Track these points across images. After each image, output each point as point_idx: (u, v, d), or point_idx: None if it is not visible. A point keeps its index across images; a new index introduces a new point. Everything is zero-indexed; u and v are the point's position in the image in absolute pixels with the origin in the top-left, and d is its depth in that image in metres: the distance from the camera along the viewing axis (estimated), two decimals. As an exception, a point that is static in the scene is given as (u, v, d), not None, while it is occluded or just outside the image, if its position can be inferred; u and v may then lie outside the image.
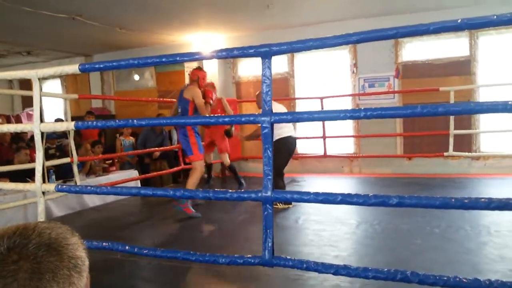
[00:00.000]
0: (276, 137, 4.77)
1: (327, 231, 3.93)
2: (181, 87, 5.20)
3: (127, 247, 2.58)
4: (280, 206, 4.83)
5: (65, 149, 5.97)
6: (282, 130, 4.91)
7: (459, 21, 1.83)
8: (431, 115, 1.96)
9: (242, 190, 4.55)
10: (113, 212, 5.41)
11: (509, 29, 6.46)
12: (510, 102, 1.74)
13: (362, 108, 2.12)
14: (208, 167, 6.38)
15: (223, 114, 5.92)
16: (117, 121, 3.11)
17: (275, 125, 3.43)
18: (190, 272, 3.10)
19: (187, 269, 3.12)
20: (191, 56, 2.62)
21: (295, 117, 2.60)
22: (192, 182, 4.72)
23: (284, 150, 4.95)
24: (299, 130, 7.97)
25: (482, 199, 1.70)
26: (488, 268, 2.90)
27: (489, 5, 6.03)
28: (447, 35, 6.75)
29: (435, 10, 6.31)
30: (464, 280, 1.69)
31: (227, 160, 6.00)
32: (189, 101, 4.79)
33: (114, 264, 3.28)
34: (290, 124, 5.00)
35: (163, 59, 2.53)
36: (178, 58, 2.55)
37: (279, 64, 7.83)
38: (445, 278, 1.74)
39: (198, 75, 4.96)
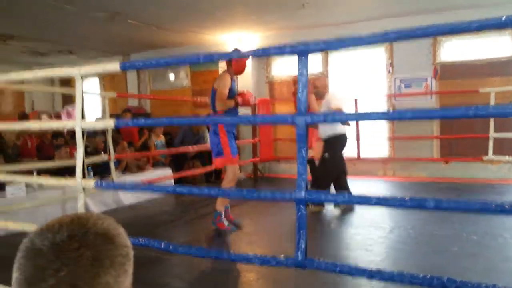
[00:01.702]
0: (331, 132, 4.66)
1: (361, 234, 3.88)
2: None
3: (162, 244, 2.63)
4: (312, 208, 4.71)
5: (98, 147, 6.13)
6: (339, 127, 4.71)
7: (503, 18, 1.76)
8: (476, 117, 1.90)
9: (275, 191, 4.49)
10: (148, 210, 5.53)
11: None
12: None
13: (397, 109, 2.09)
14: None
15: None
16: (155, 119, 3.17)
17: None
18: (223, 271, 3.13)
19: (219, 268, 3.16)
20: (227, 55, 2.66)
21: (330, 118, 2.59)
22: (222, 199, 4.08)
23: (339, 146, 4.83)
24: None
25: (526, 206, 1.64)
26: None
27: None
28: (488, 34, 6.50)
29: (470, 8, 6.10)
30: (504, 289, 1.63)
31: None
32: (216, 91, 4.13)
33: (149, 261, 3.35)
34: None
35: (201, 58, 2.56)
36: (215, 57, 2.59)
37: (313, 63, 7.77)
38: (484, 286, 1.69)
39: (231, 60, 4.17)
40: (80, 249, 0.63)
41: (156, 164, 7.16)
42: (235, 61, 4.10)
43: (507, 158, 6.29)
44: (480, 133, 6.26)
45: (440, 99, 6.96)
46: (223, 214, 4.12)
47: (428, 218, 4.20)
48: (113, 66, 2.93)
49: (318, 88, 4.91)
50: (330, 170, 4.79)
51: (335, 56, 7.79)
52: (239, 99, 4.14)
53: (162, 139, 7.53)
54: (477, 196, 5.24)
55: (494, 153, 6.18)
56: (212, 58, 2.71)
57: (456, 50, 6.89)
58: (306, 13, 6.55)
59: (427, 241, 3.71)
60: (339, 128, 4.72)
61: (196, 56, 2.60)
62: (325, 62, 7.85)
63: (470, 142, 6.56)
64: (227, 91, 4.03)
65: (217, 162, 4.19)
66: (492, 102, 6.01)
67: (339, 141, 4.79)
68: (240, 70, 4.21)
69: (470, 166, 6.60)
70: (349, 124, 4.76)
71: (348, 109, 4.89)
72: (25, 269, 0.62)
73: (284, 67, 8.17)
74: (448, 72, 6.91)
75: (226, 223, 4.14)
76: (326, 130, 4.71)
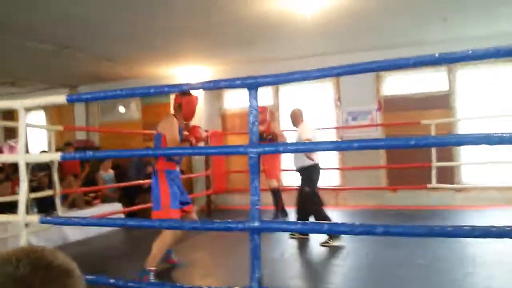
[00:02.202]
0: (309, 162, 4.65)
1: (315, 263, 3.91)
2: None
3: (111, 280, 2.53)
4: (331, 242, 4.48)
5: (42, 182, 5.87)
6: (314, 156, 4.67)
7: (436, 55, 1.92)
8: (424, 146, 2.01)
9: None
10: (96, 246, 5.29)
11: (486, 63, 6.71)
12: (490, 134, 1.81)
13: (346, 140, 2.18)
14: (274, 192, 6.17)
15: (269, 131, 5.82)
16: (104, 152, 3.10)
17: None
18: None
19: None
20: (179, 87, 2.67)
21: (284, 149, 2.65)
22: (158, 246, 3.49)
23: (316, 175, 4.84)
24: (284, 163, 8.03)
25: (466, 227, 1.74)
26: (474, 298, 2.91)
27: (465, 42, 6.31)
28: (427, 69, 6.97)
29: (413, 46, 6.54)
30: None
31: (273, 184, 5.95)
32: (161, 135, 3.58)
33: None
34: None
35: (151, 90, 2.56)
36: (166, 89, 2.60)
37: (264, 96, 7.93)
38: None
39: (180, 102, 3.70)
40: (44, 283, 0.62)
41: (105, 199, 6.91)
42: (185, 105, 3.68)
43: (448, 186, 6.65)
44: (424, 163, 6.59)
45: (385, 131, 7.30)
46: (151, 274, 3.35)
47: (380, 244, 4.30)
48: (59, 98, 2.86)
49: (291, 118, 5.02)
50: (316, 200, 4.76)
51: (285, 89, 8.01)
52: (192, 139, 3.65)
53: (110, 173, 7.31)
54: (423, 221, 5.46)
55: (438, 181, 6.51)
56: (163, 91, 2.72)
57: (398, 84, 7.32)
58: (257, 48, 6.76)
59: (380, 266, 3.80)
60: (314, 158, 4.67)
61: (146, 88, 2.60)
62: (276, 94, 8.04)
63: (415, 171, 6.87)
64: (176, 133, 3.56)
65: (153, 216, 3.55)
66: (433, 133, 6.37)
67: (314, 171, 4.79)
68: (190, 115, 3.75)
69: (416, 194, 6.89)
70: (311, 159, 4.68)
71: (319, 139, 4.96)
72: None
73: (237, 99, 8.29)
74: (392, 105, 7.30)
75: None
76: (300, 160, 4.72)
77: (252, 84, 2.27)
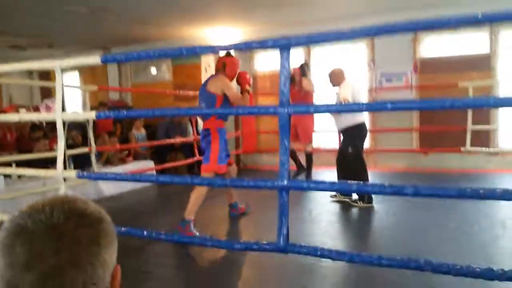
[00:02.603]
0: (354, 122, 4.47)
1: (342, 223, 3.97)
2: (205, 81, 4.10)
3: (145, 232, 2.65)
4: (360, 204, 4.48)
5: (76, 140, 6.08)
6: (359, 116, 4.51)
7: (479, 15, 1.83)
8: (460, 107, 1.96)
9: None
10: (130, 201, 5.52)
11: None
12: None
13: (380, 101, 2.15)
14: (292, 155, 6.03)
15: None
16: (137, 111, 3.17)
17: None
18: (206, 258, 3.17)
19: (203, 255, 3.19)
20: (211, 49, 2.67)
21: (314, 109, 2.64)
22: (194, 197, 3.69)
23: (360, 136, 4.62)
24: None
25: (498, 190, 1.72)
26: (501, 260, 2.91)
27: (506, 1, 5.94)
28: (467, 30, 6.66)
29: (451, 5, 6.21)
30: (477, 269, 1.71)
31: (308, 148, 5.90)
32: (216, 96, 3.77)
33: (132, 250, 3.36)
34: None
35: (183, 51, 2.58)
36: (197, 50, 2.60)
37: (296, 58, 7.83)
38: (458, 267, 1.77)
39: (225, 62, 3.91)
40: (78, 229, 0.65)
41: (138, 157, 7.13)
42: (229, 65, 3.89)
43: (483, 149, 6.49)
44: (459, 126, 6.43)
45: (420, 93, 7.09)
46: (191, 223, 3.65)
47: (409, 206, 4.32)
48: (94, 59, 2.92)
49: (331, 77, 4.75)
50: (360, 161, 4.57)
51: (317, 51, 7.86)
52: (246, 86, 3.94)
53: (142, 132, 7.50)
54: (455, 184, 5.36)
55: (472, 144, 6.36)
56: (195, 51, 2.73)
57: (435, 45, 7.02)
58: (288, 10, 6.59)
59: (407, 227, 3.82)
60: (357, 118, 4.50)
61: (178, 49, 2.62)
62: (308, 57, 7.91)
63: (448, 134, 6.71)
64: (234, 90, 3.83)
65: (202, 168, 3.88)
66: (471, 95, 6.16)
67: (359, 131, 4.58)
68: (233, 75, 3.96)
69: (449, 157, 6.76)
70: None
71: (363, 99, 4.72)
72: (20, 251, 0.61)
73: (267, 61, 8.20)
74: (428, 67, 7.05)
75: (196, 232, 3.62)
76: (344, 121, 4.51)
77: (284, 45, 2.25)
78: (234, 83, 4.00)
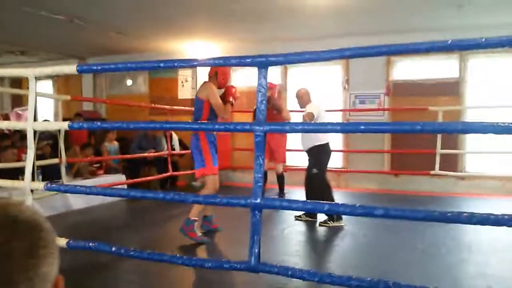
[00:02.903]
0: (319, 142, 4.55)
1: (313, 242, 3.98)
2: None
3: (113, 248, 2.59)
4: (331, 223, 4.50)
5: (45, 151, 5.94)
6: (325, 136, 4.61)
7: (449, 41, 1.91)
8: (430, 132, 2.02)
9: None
10: (99, 215, 5.39)
11: (498, 53, 6.64)
12: (498, 123, 1.81)
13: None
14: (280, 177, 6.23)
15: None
16: (111, 123, 3.13)
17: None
18: (176, 276, 3.11)
19: (172, 273, 3.13)
20: (189, 62, 2.68)
21: (290, 128, 2.65)
22: (199, 207, 3.92)
23: (326, 156, 4.70)
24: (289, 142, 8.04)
25: (465, 214, 1.77)
26: (468, 283, 2.97)
27: (476, 30, 6.22)
28: (438, 56, 6.91)
29: (425, 31, 6.44)
30: (444, 292, 1.74)
31: (280, 169, 5.90)
32: (203, 101, 4.01)
33: (100, 267, 3.27)
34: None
35: (161, 64, 2.58)
36: (176, 64, 2.61)
37: (272, 77, 7.94)
38: (426, 289, 1.80)
39: (216, 70, 4.13)
40: (10, 241, 0.58)
41: (109, 170, 7.00)
42: (221, 74, 4.10)
43: (451, 173, 6.68)
44: (428, 149, 6.62)
45: (392, 116, 7.27)
46: (195, 224, 3.89)
47: (378, 227, 4.38)
48: (70, 68, 2.89)
49: (298, 98, 4.87)
50: (323, 181, 4.63)
51: (294, 71, 7.98)
52: (231, 99, 4.12)
53: (115, 144, 7.38)
54: (424, 207, 5.47)
55: (441, 168, 6.54)
56: (173, 65, 2.73)
57: (408, 69, 7.26)
58: (267, 27, 6.69)
59: (377, 249, 3.86)
60: (322, 138, 4.59)
61: (156, 62, 2.62)
62: (284, 76, 8.01)
63: (418, 157, 6.89)
64: (219, 99, 4.01)
65: (197, 172, 4.09)
66: (440, 119, 6.36)
67: (325, 151, 4.65)
68: (225, 83, 4.18)
69: (418, 180, 6.92)
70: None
71: (328, 119, 4.78)
72: None
73: (244, 78, 8.26)
74: (400, 90, 7.25)
75: (198, 233, 3.93)
76: (310, 140, 4.58)
77: (262, 63, 2.28)
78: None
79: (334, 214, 4.41)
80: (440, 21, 6.27)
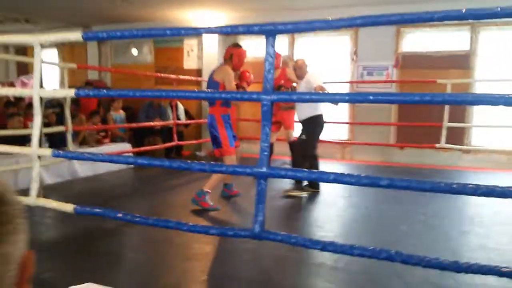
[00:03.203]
0: (313, 113, 4.55)
1: (316, 212, 4.02)
2: (214, 68, 4.42)
3: (119, 214, 2.63)
4: (292, 192, 4.62)
5: (50, 119, 5.94)
6: (320, 107, 4.60)
7: (463, 11, 1.86)
8: (439, 103, 2.00)
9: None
10: (105, 183, 5.46)
11: (510, 25, 6.49)
12: (508, 95, 1.79)
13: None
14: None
15: (287, 84, 5.46)
16: (118, 91, 3.12)
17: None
18: (181, 243, 3.17)
19: (178, 240, 3.19)
20: (196, 30, 2.64)
21: (298, 97, 2.64)
22: (218, 177, 4.06)
23: (319, 127, 4.69)
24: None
25: (470, 185, 1.77)
26: (467, 255, 3.00)
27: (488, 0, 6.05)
28: (449, 28, 6.77)
29: (435, 1, 6.28)
30: (445, 262, 1.77)
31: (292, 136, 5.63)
32: (219, 84, 4.05)
33: (106, 233, 3.33)
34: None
35: (168, 31, 2.54)
36: (182, 32, 2.58)
37: (280, 47, 7.85)
38: (428, 259, 1.82)
39: (231, 53, 4.17)
40: None
41: (115, 139, 7.04)
42: (236, 56, 4.13)
43: (457, 146, 6.65)
44: (435, 122, 6.57)
45: (400, 88, 7.19)
46: (207, 195, 4.01)
47: (382, 199, 4.42)
48: (75, 35, 2.85)
49: (296, 69, 4.80)
50: (308, 151, 4.65)
51: (301, 41, 7.86)
52: (244, 84, 4.22)
53: (121, 113, 7.39)
54: (428, 179, 5.50)
55: (447, 142, 6.51)
56: (180, 33, 2.70)
57: (417, 41, 7.11)
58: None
59: (379, 220, 3.90)
60: (317, 109, 4.58)
61: (162, 30, 2.58)
62: (291, 46, 7.90)
63: (425, 130, 6.85)
64: (233, 84, 4.05)
65: (215, 153, 4.26)
66: (449, 92, 6.29)
67: (319, 122, 4.67)
68: (239, 66, 4.20)
69: (424, 153, 6.91)
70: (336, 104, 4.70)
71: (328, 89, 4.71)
72: None
73: (251, 48, 8.15)
74: (409, 62, 7.14)
75: (211, 202, 4.04)
76: (306, 111, 4.58)
77: (270, 31, 2.24)
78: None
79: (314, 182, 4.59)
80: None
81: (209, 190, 4.02)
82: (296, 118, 4.91)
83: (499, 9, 1.78)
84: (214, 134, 4.17)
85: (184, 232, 2.73)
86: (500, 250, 3.08)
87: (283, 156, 6.43)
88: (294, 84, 5.40)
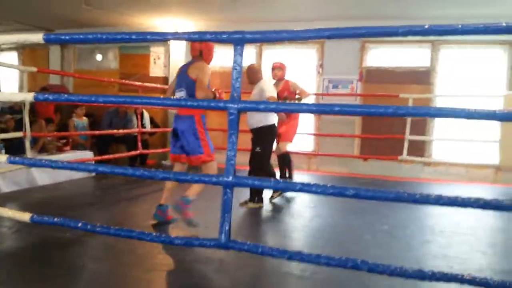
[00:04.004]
0: (266, 122, 4.46)
1: (282, 222, 4.02)
2: (183, 65, 3.99)
3: (79, 224, 2.52)
4: (250, 205, 4.56)
5: (8, 125, 5.71)
6: (271, 117, 4.53)
7: (426, 26, 1.92)
8: (402, 115, 2.04)
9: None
10: (65, 191, 5.26)
11: (468, 44, 6.83)
12: (469, 109, 1.84)
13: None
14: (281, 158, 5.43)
15: (291, 96, 5.33)
16: (79, 96, 3.02)
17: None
18: (144, 253, 3.08)
19: (141, 251, 3.09)
20: (162, 36, 2.59)
21: (265, 107, 2.62)
22: (200, 187, 3.68)
23: (272, 137, 4.61)
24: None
25: (433, 196, 1.81)
26: (430, 264, 3.07)
27: (451, 19, 6.32)
28: (411, 44, 7.05)
29: (398, 19, 6.47)
30: (409, 270, 1.79)
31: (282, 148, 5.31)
32: (192, 80, 3.69)
33: (64, 243, 3.20)
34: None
35: (133, 36, 2.48)
36: (148, 37, 2.51)
37: (247, 58, 7.90)
38: (393, 268, 1.84)
39: (201, 49, 3.83)
40: None
41: (76, 146, 6.83)
42: (206, 51, 3.81)
43: (419, 159, 6.88)
44: (397, 135, 6.78)
45: (364, 102, 7.37)
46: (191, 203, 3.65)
47: (347, 210, 4.48)
48: (36, 36, 2.74)
49: (249, 74, 4.66)
50: (264, 165, 4.54)
51: (269, 52, 7.93)
52: (216, 93, 3.78)
53: (84, 120, 7.18)
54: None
55: (408, 154, 6.73)
56: (145, 38, 2.63)
57: (381, 57, 7.35)
58: (243, 7, 6.59)
59: (344, 230, 3.93)
60: (270, 119, 4.52)
61: (128, 34, 2.52)
62: (259, 57, 7.96)
63: (387, 143, 7.03)
64: (207, 81, 3.70)
65: (193, 159, 3.75)
66: (409, 107, 6.49)
67: (269, 132, 4.56)
68: (211, 59, 3.92)
69: (387, 165, 7.09)
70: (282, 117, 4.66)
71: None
72: None
73: (218, 57, 8.13)
74: (373, 76, 7.34)
75: (191, 215, 3.64)
76: (256, 119, 4.48)
77: (238, 39, 2.23)
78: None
79: (258, 195, 4.54)
80: (415, 11, 6.35)
81: (194, 198, 3.67)
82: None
83: (459, 26, 1.84)
84: (194, 139, 3.69)
85: (148, 242, 2.65)
86: (460, 259, 3.17)
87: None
88: (297, 96, 5.37)
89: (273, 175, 4.71)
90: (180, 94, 3.76)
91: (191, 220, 3.62)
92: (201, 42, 3.77)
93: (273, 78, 5.38)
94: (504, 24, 1.77)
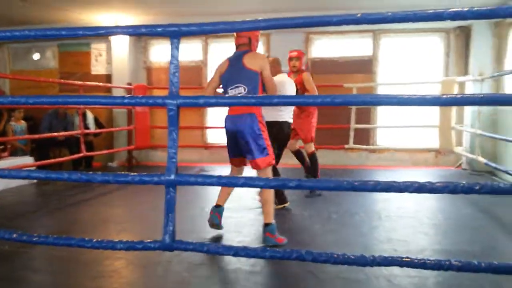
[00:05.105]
0: (281, 118, 4.18)
1: (233, 217, 3.99)
2: (230, 58, 3.51)
3: (14, 235, 2.37)
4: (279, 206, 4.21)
5: None
6: (285, 113, 4.24)
7: (358, 15, 1.94)
8: (334, 104, 2.05)
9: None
10: (2, 201, 4.95)
11: (407, 33, 7.10)
12: (402, 96, 1.89)
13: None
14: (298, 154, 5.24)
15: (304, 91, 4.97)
16: (14, 97, 2.83)
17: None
18: (90, 261, 2.95)
19: (85, 257, 2.96)
20: (96, 31, 2.46)
21: (205, 102, 2.57)
22: (269, 197, 3.27)
23: (286, 133, 4.31)
24: (210, 119, 7.96)
25: (371, 182, 1.84)
26: (376, 248, 3.17)
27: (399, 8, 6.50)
28: (353, 35, 7.23)
29: (341, 10, 6.63)
30: (352, 257, 1.82)
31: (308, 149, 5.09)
32: (258, 74, 3.27)
33: (4, 256, 3.01)
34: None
35: (63, 32, 2.35)
36: (80, 32, 2.39)
37: (193, 52, 7.81)
38: (335, 255, 1.86)
39: (249, 36, 3.39)
40: None
41: (16, 152, 6.45)
42: (254, 39, 3.40)
43: (364, 146, 7.08)
44: (343, 124, 6.95)
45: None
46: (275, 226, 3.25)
47: (296, 200, 4.52)
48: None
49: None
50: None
51: (214, 46, 7.87)
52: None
53: (22, 124, 6.80)
54: (337, 179, 5.75)
55: (354, 142, 6.92)
56: (77, 34, 2.50)
57: (325, 47, 7.49)
58: (185, 1, 6.47)
59: (294, 220, 3.98)
60: (287, 116, 4.28)
61: (59, 30, 2.38)
62: (205, 51, 7.87)
63: (335, 132, 7.18)
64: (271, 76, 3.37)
65: (259, 162, 3.27)
66: (354, 96, 6.67)
67: (286, 128, 4.28)
68: (257, 46, 3.50)
69: (335, 154, 7.25)
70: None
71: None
72: None
73: (163, 53, 7.98)
74: (318, 67, 7.45)
75: (283, 238, 3.25)
76: (269, 115, 4.01)
77: (174, 32, 2.16)
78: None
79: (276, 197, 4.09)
80: (359, 1, 6.46)
81: (273, 221, 3.27)
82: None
83: (390, 14, 1.88)
84: (257, 139, 3.23)
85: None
86: (405, 242, 3.30)
87: (199, 163, 6.34)
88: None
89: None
90: (238, 90, 3.27)
91: (284, 243, 3.21)
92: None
93: (291, 70, 5.01)
94: (431, 11, 1.82)
